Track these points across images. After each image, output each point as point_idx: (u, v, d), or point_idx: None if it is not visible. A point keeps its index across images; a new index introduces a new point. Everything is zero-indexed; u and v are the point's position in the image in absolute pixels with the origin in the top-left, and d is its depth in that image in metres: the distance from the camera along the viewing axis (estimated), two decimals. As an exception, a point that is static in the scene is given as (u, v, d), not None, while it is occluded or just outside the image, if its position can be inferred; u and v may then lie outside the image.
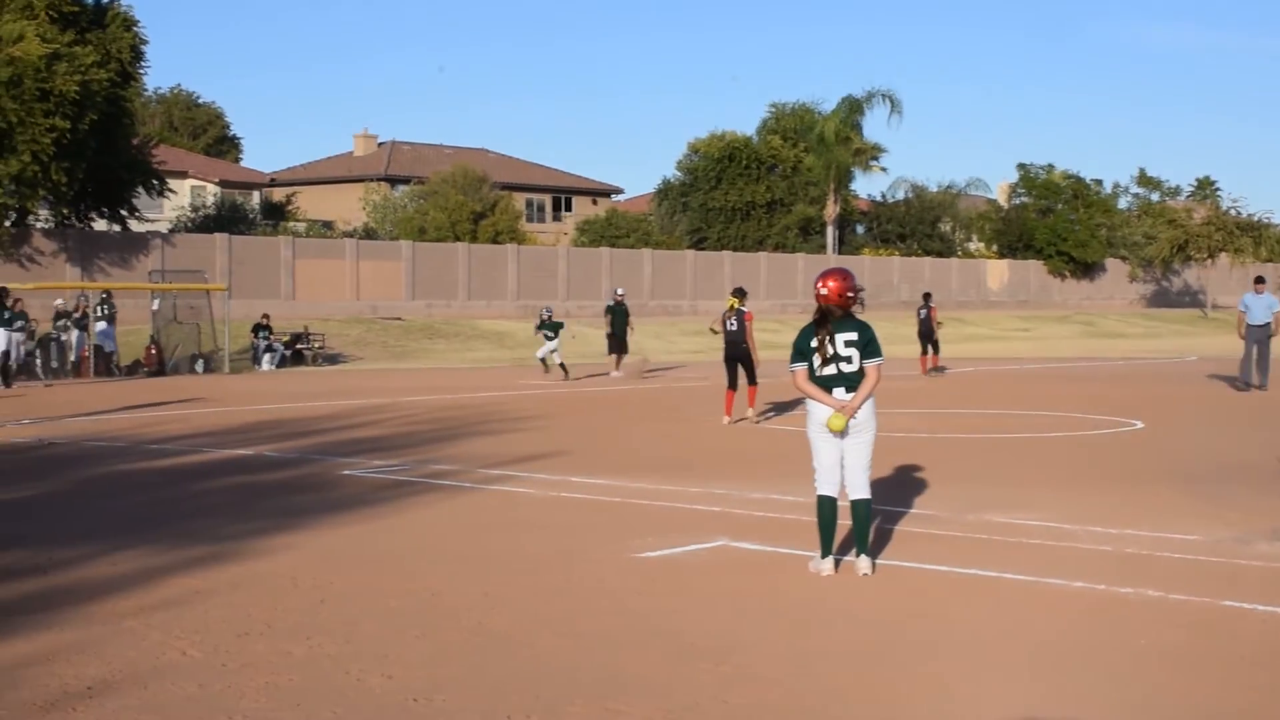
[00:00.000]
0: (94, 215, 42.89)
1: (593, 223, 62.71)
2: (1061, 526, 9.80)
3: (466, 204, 55.65)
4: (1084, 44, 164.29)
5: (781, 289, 58.70)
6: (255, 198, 62.87)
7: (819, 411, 8.19)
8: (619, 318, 29.08)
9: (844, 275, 8.30)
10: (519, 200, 64.36)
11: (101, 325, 30.88)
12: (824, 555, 8.25)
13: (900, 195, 72.02)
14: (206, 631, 6.87)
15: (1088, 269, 73.17)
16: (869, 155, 66.81)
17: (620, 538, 9.45)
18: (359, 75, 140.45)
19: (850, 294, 8.20)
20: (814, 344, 8.18)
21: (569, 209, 73.09)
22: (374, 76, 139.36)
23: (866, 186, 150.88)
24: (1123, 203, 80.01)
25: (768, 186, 66.23)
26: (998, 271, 70.22)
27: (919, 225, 70.78)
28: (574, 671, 6.17)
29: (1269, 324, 22.64)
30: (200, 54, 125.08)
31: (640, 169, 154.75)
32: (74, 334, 30.09)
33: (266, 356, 33.50)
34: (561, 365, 27.97)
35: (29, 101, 35.44)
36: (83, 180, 38.93)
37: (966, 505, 10.70)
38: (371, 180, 65.05)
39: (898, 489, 11.40)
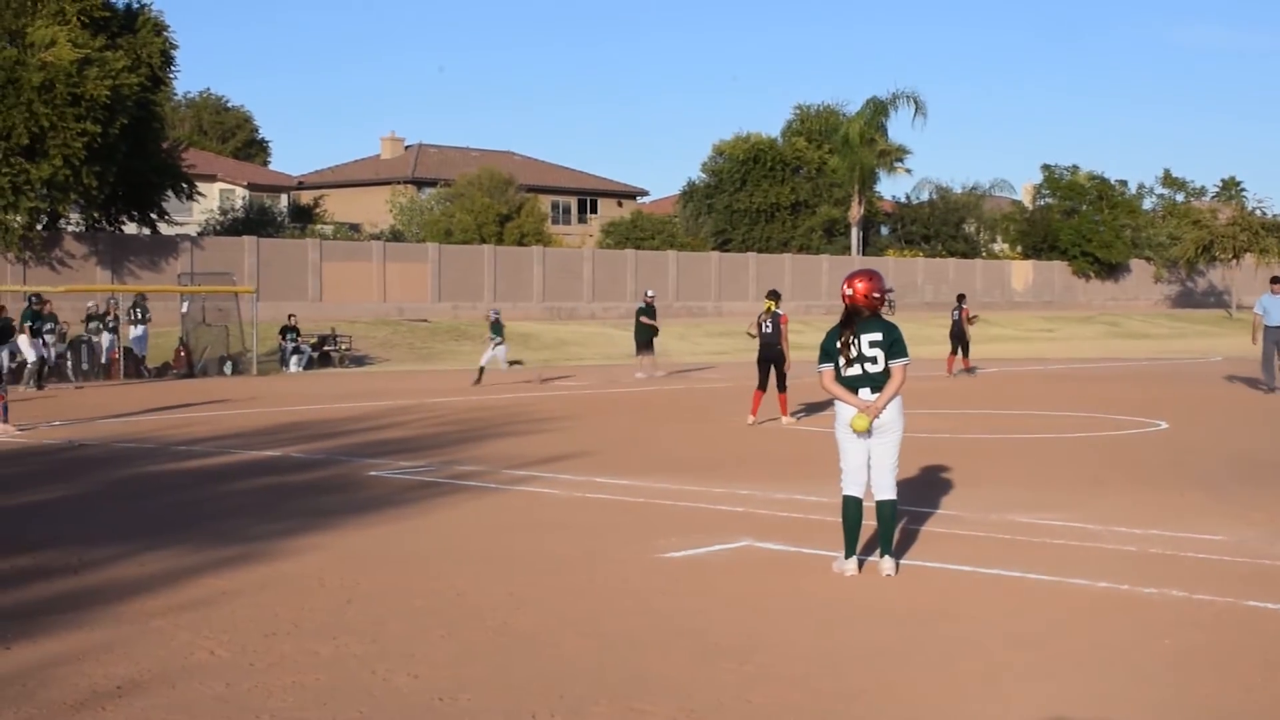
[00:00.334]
0: (124, 218, 43.21)
1: (618, 225, 62.77)
2: (1085, 527, 9.79)
3: (492, 206, 55.80)
4: (1109, 45, 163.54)
5: (806, 290, 58.62)
6: (283, 201, 63.21)
7: (845, 412, 8.21)
8: (639, 319, 29.17)
9: (871, 276, 8.32)
10: (544, 202, 64.49)
11: (138, 330, 31.09)
12: (848, 555, 8.27)
13: (925, 196, 71.88)
14: (234, 631, 6.94)
15: (1112, 270, 72.82)
16: (894, 157, 66.64)
17: (644, 538, 9.48)
18: (386, 78, 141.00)
19: (877, 295, 8.22)
20: (839, 344, 8.21)
21: (594, 211, 73.18)
22: (401, 79, 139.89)
23: (891, 188, 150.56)
24: (1147, 203, 79.66)
25: (792, 188, 66.15)
26: (1022, 272, 69.96)
27: (943, 226, 70.59)
28: (598, 671, 6.21)
29: None
30: (229, 58, 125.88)
31: (665, 171, 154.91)
32: (105, 336, 30.31)
33: (294, 358, 33.66)
34: (481, 369, 27.07)
35: (60, 106, 35.75)
36: (113, 184, 39.23)
37: (990, 505, 10.69)
38: (398, 183, 65.30)
39: (922, 489, 11.40)
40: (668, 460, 14.23)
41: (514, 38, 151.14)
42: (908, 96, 64.02)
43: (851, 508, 8.24)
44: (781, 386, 18.33)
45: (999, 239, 75.42)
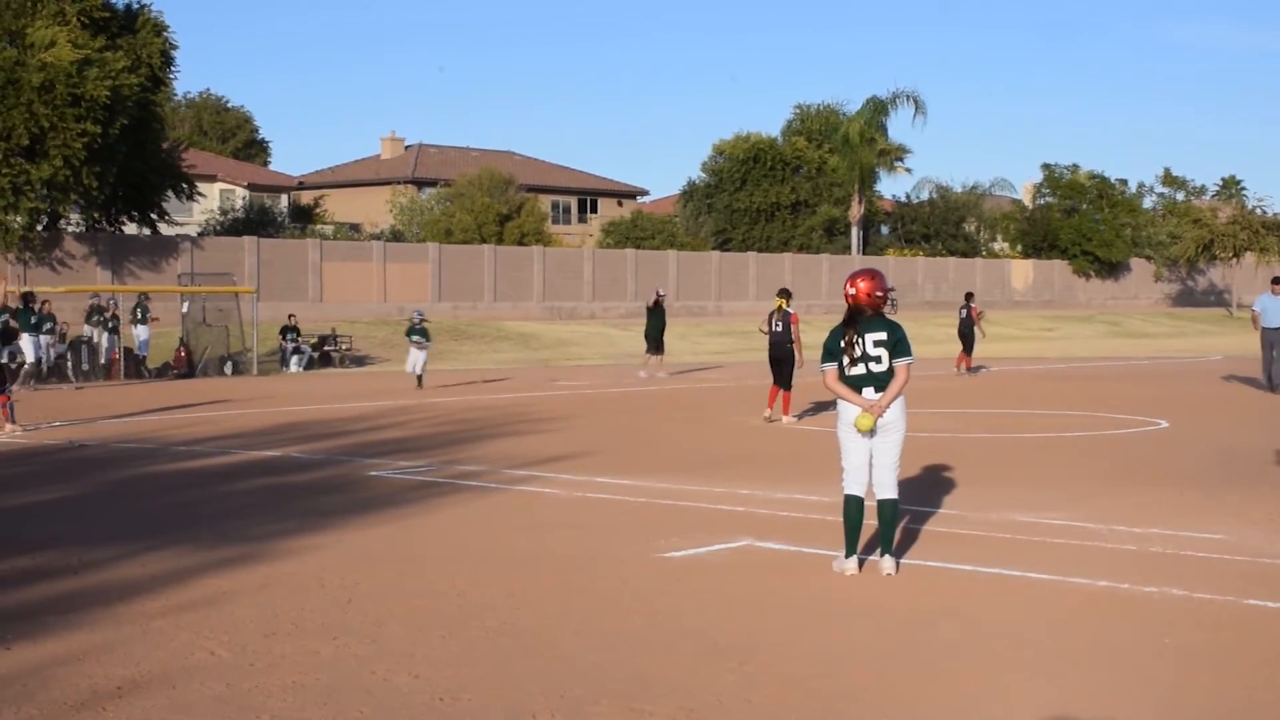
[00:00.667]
0: (124, 219, 43.22)
1: (618, 224, 62.78)
2: (1085, 526, 9.80)
3: (492, 206, 55.81)
4: (1109, 44, 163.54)
5: (806, 290, 58.58)
6: (283, 201, 63.21)
7: (848, 411, 8.21)
8: (655, 318, 29.06)
9: (874, 276, 8.32)
10: (545, 202, 64.50)
11: (142, 330, 31.10)
12: (848, 555, 8.27)
13: (925, 196, 71.91)
14: (234, 632, 6.94)
15: (1112, 269, 72.84)
16: (894, 156, 66.66)
17: (645, 538, 9.49)
18: (386, 78, 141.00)
19: (880, 294, 8.22)
20: (843, 344, 8.21)
21: (594, 211, 73.20)
22: (401, 80, 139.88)
23: (891, 187, 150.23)
24: (1148, 202, 79.67)
25: (792, 188, 66.16)
26: (1022, 271, 69.97)
27: (943, 226, 70.60)
28: (599, 671, 6.21)
29: None
30: (229, 58, 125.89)
31: (665, 171, 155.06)
32: (105, 337, 30.32)
33: (294, 358, 33.66)
34: (419, 375, 25.80)
35: (61, 107, 35.75)
36: (113, 184, 39.24)
37: (991, 505, 10.70)
38: (398, 183, 65.31)
39: (922, 488, 11.40)
40: (668, 460, 14.23)
41: (514, 38, 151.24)
42: (908, 96, 64.08)
43: (853, 507, 8.24)
44: (786, 385, 18.31)
45: (999, 238, 75.43)
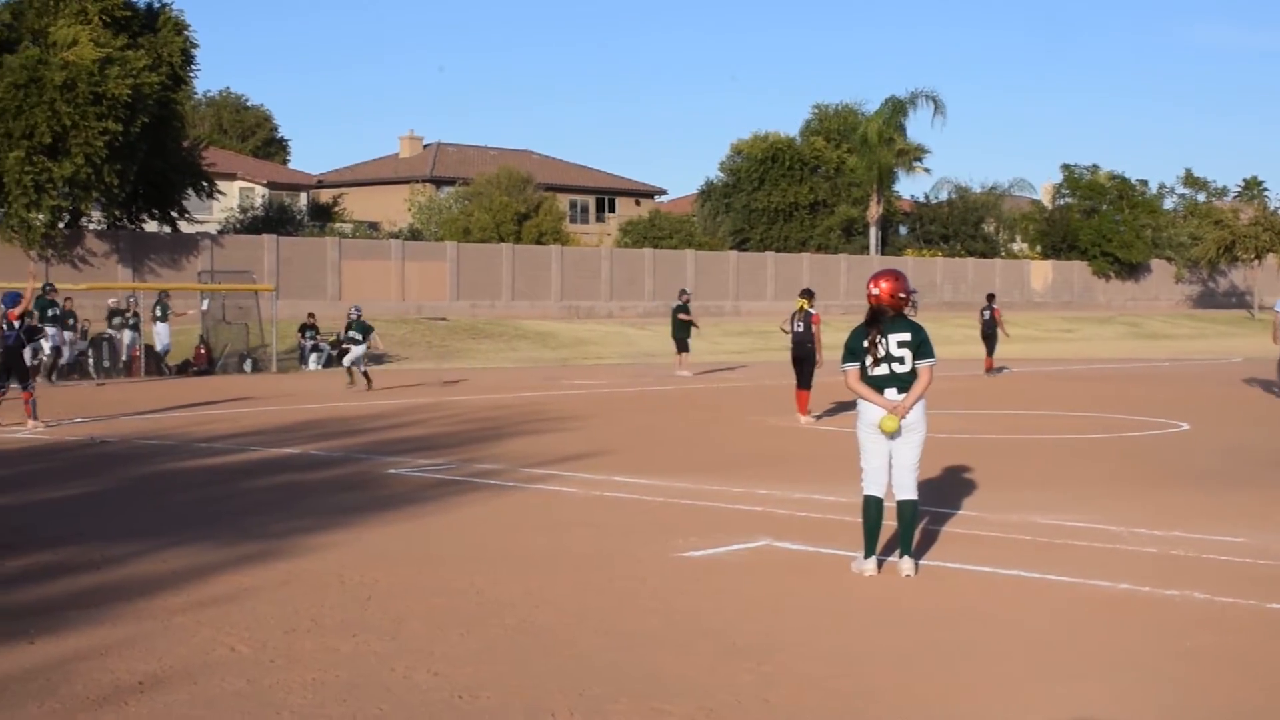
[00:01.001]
0: (145, 217, 43.39)
1: (636, 224, 62.79)
2: (1106, 528, 9.76)
3: (511, 205, 55.87)
4: (1130, 44, 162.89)
5: (824, 290, 58.41)
6: (302, 199, 63.39)
7: (869, 412, 8.20)
8: (674, 317, 29.19)
9: (896, 276, 8.30)
10: (563, 201, 64.54)
11: (163, 328, 31.25)
12: (867, 555, 8.26)
13: (944, 196, 71.72)
14: (255, 628, 6.97)
15: (1133, 270, 72.53)
16: (912, 156, 66.52)
17: (663, 537, 9.49)
18: (405, 77, 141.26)
19: (902, 295, 8.21)
20: (866, 344, 8.20)
21: (612, 210, 73.22)
22: (419, 79, 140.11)
23: (910, 187, 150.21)
24: (1168, 203, 79.25)
25: (811, 188, 66.07)
26: (1041, 272, 69.74)
27: (962, 226, 70.41)
28: (617, 669, 6.22)
29: None
30: (249, 57, 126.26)
31: (683, 170, 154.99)
32: (126, 334, 30.49)
33: (313, 356, 33.77)
34: (365, 374, 24.75)
35: (82, 105, 35.92)
36: (134, 182, 39.40)
37: (1010, 506, 10.67)
38: (417, 181, 65.45)
39: (942, 490, 11.38)
40: (686, 459, 14.23)
41: (532, 37, 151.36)
42: (927, 96, 63.97)
43: (872, 507, 8.23)
44: (805, 383, 18.32)
45: (1018, 239, 75.17)
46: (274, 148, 77.29)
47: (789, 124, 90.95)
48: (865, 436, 8.26)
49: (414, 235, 56.52)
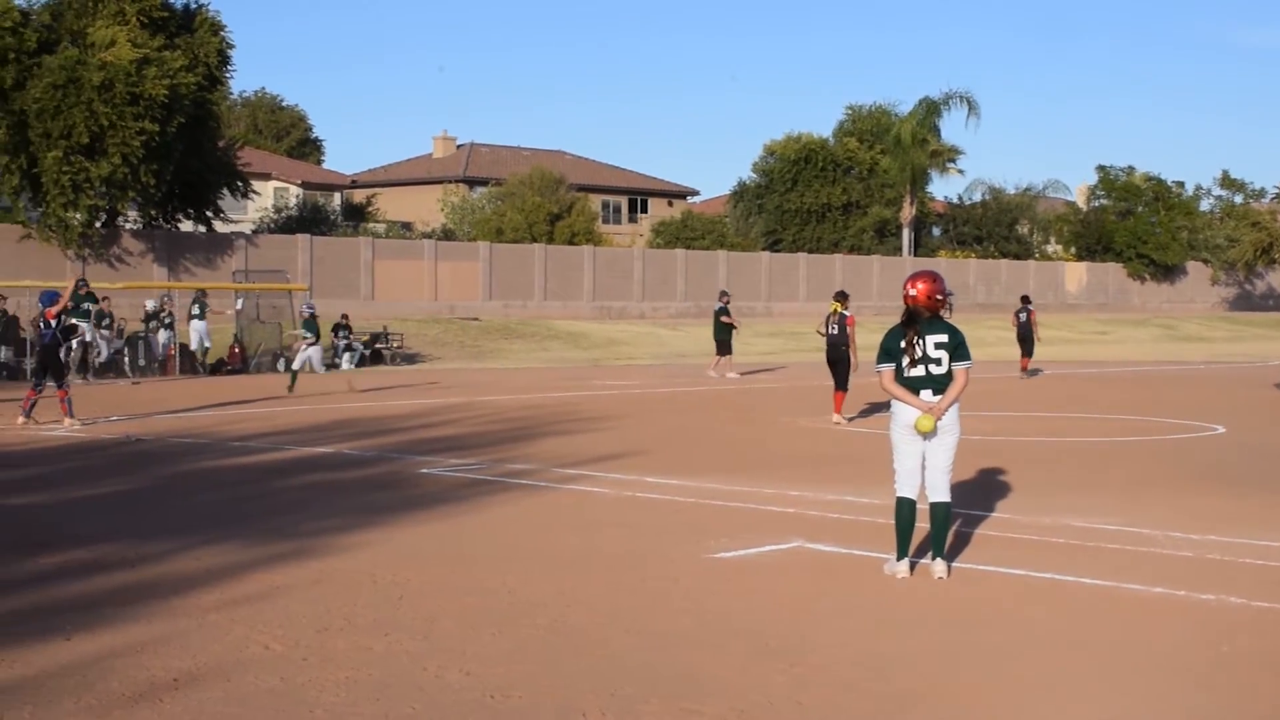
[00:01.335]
0: (180, 216, 43.71)
1: (668, 224, 62.79)
2: (1140, 531, 9.70)
3: (543, 205, 55.98)
4: (1167, 45, 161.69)
5: (857, 291, 58.19)
6: (336, 199, 63.70)
7: (904, 413, 8.17)
8: (715, 320, 29.18)
9: (934, 278, 8.27)
10: (595, 202, 64.61)
11: (201, 325, 31.49)
12: (900, 557, 8.23)
13: (977, 197, 71.41)
14: (288, 626, 7.00)
15: (1168, 272, 71.99)
16: (946, 157, 66.26)
17: (695, 538, 9.48)
18: (438, 78, 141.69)
19: (939, 296, 8.18)
20: (903, 345, 8.17)
21: (645, 211, 73.23)
22: (453, 79, 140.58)
23: (943, 188, 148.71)
24: (1205, 205, 78.61)
25: (844, 189, 65.89)
26: (1076, 274, 69.32)
27: (996, 227, 70.08)
28: (649, 670, 6.22)
29: None
30: (284, 57, 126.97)
31: (716, 171, 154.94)
32: (161, 333, 30.74)
33: (346, 355, 33.92)
34: (294, 373, 23.45)
35: (120, 105, 36.22)
36: (170, 182, 39.70)
37: (1044, 509, 10.61)
38: (450, 182, 65.64)
39: (975, 492, 11.33)
40: (718, 460, 14.22)
41: (566, 37, 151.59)
42: (961, 97, 63.69)
43: (905, 509, 8.20)
44: (841, 385, 18.33)
45: (1052, 240, 74.74)
46: (308, 148, 77.71)
47: (822, 125, 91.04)
48: (899, 438, 8.22)
49: (447, 235, 56.70)
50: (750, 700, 5.75)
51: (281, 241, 44.87)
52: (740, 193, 69.64)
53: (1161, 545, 9.23)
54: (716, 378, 27.88)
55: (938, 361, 8.12)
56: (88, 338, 27.24)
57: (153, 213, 41.95)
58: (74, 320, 25.96)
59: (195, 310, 31.46)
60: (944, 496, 8.21)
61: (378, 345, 35.85)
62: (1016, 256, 69.14)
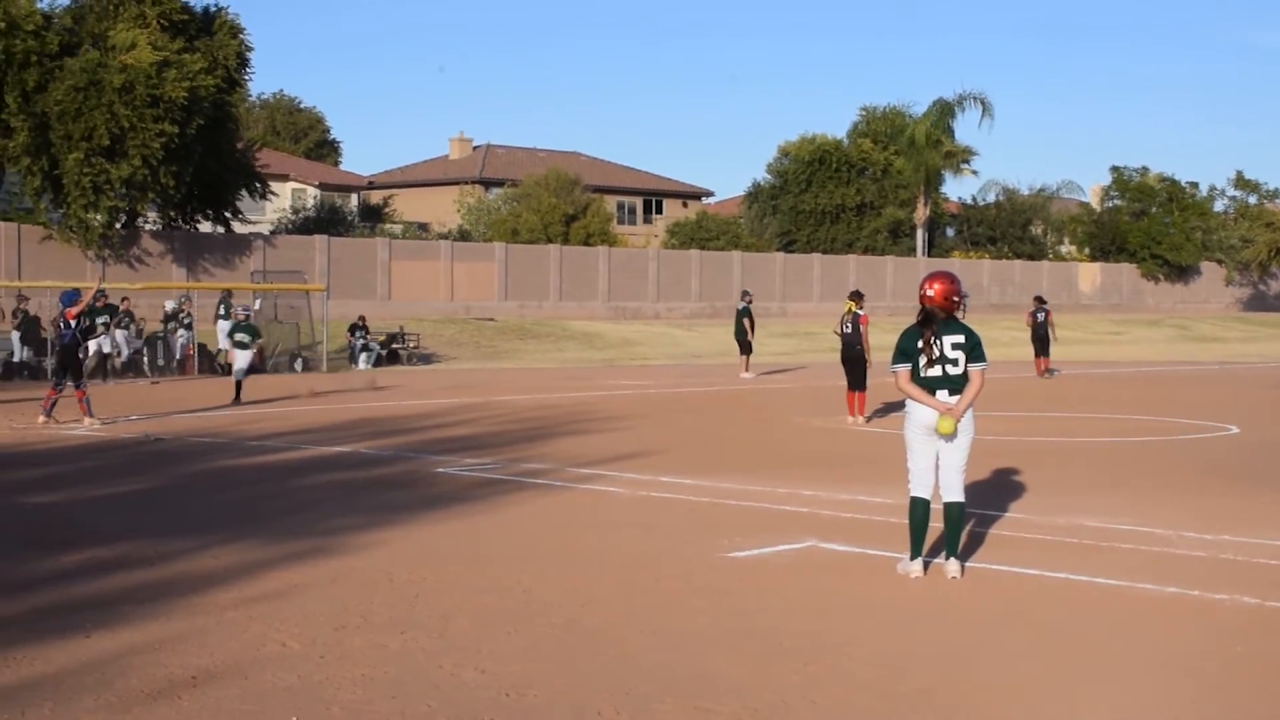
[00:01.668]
0: (199, 217, 43.90)
1: (683, 225, 62.80)
2: (1154, 531, 9.70)
3: (559, 206, 56.05)
4: (1181, 46, 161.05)
5: (871, 292, 58.07)
6: (353, 200, 63.87)
7: (919, 413, 8.19)
8: (738, 320, 29.20)
9: (950, 279, 8.29)
10: (610, 203, 64.65)
11: (226, 325, 31.62)
12: (913, 557, 8.26)
13: (991, 198, 71.26)
14: (305, 624, 7.06)
15: (1182, 272, 71.74)
16: (960, 158, 66.10)
17: (709, 537, 9.52)
18: (455, 79, 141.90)
19: (955, 297, 8.21)
20: (920, 345, 8.19)
21: (659, 211, 73.25)
22: (469, 81, 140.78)
23: (957, 189, 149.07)
24: (1219, 205, 78.23)
25: (858, 189, 65.80)
26: (1089, 274, 69.13)
27: (1009, 228, 69.93)
28: (663, 669, 6.26)
29: None
30: (302, 59, 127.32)
31: (731, 172, 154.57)
32: (180, 333, 30.88)
33: (363, 356, 34.02)
34: (239, 383, 22.01)
35: (140, 107, 36.42)
36: (189, 183, 39.87)
37: (1058, 509, 10.62)
38: (466, 183, 65.75)
39: (988, 492, 11.34)
40: (732, 460, 14.25)
41: (581, 39, 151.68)
42: (974, 98, 63.59)
43: (919, 509, 8.22)
44: (859, 385, 18.36)
45: (1066, 241, 74.54)
46: (326, 149, 77.91)
47: (836, 126, 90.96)
48: (913, 438, 8.25)
49: (463, 236, 56.82)
50: (764, 699, 5.79)
51: (299, 242, 45.02)
52: (755, 193, 69.59)
53: (1175, 545, 9.23)
54: (751, 378, 27.77)
55: (954, 362, 8.14)
56: (106, 349, 27.30)
57: (172, 214, 42.12)
58: (95, 323, 26.10)
59: (221, 311, 31.58)
60: (958, 496, 8.23)
61: (394, 345, 35.95)
62: (1030, 257, 68.99)
